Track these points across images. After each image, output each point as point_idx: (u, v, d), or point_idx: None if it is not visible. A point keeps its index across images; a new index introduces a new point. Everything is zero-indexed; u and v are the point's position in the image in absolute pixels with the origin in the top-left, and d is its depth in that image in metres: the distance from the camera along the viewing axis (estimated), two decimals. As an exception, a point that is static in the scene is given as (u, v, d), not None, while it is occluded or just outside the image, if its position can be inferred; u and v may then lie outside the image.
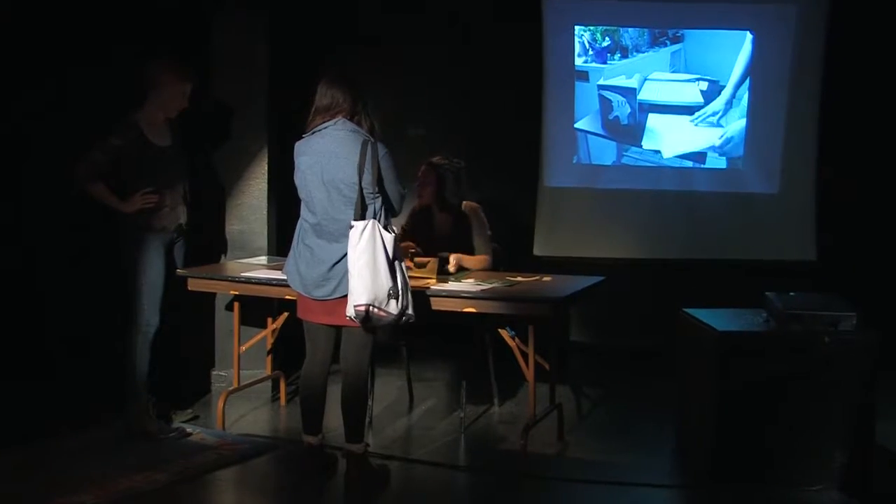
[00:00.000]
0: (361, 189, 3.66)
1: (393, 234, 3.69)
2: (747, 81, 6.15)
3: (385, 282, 3.61)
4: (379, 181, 3.70)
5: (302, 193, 3.81)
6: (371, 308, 3.61)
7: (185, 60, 4.58)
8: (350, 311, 3.64)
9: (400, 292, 3.66)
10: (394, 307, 3.65)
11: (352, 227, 3.64)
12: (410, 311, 3.73)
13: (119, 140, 4.36)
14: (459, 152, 5.03)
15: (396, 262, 3.69)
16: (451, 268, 4.54)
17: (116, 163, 4.38)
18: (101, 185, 4.37)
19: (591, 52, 6.22)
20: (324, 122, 3.73)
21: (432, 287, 4.15)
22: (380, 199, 3.72)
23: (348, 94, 3.72)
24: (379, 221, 3.69)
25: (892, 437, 4.15)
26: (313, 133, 3.76)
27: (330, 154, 3.69)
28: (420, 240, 4.79)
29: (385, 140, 3.79)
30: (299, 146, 3.81)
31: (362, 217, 3.66)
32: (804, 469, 3.78)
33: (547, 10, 6.18)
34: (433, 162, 4.82)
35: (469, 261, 4.68)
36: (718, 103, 6.18)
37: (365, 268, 3.59)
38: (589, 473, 4.08)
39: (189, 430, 4.48)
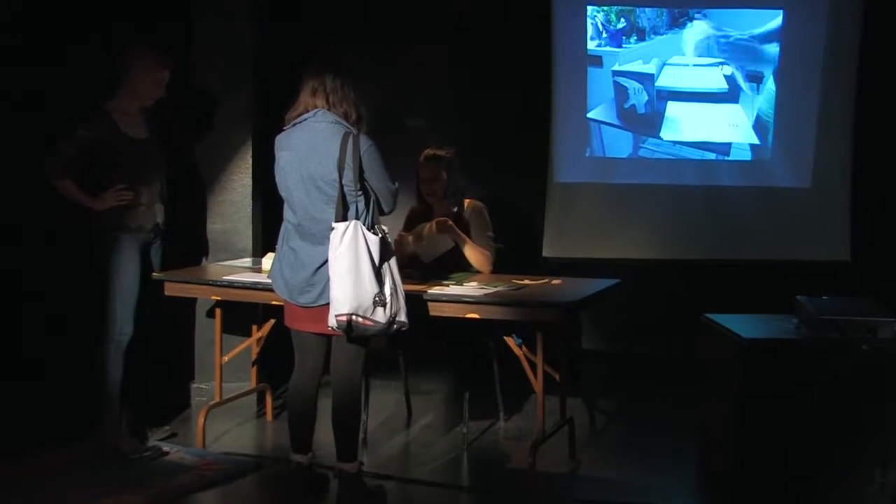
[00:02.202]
0: (342, 186, 3.62)
1: (379, 236, 3.65)
2: (776, 65, 6.11)
3: (369, 288, 3.58)
4: (363, 177, 3.66)
5: (282, 191, 3.80)
6: (354, 317, 3.57)
7: (162, 45, 4.56)
8: (332, 322, 3.61)
9: (388, 299, 3.62)
10: (381, 315, 3.61)
11: (332, 228, 3.61)
12: (402, 318, 3.69)
13: (89, 132, 4.35)
14: (462, 144, 4.99)
15: (386, 266, 3.66)
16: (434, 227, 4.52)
17: (87, 157, 4.36)
18: (71, 182, 4.36)
19: (604, 35, 6.20)
20: (304, 113, 3.71)
21: (431, 291, 4.12)
22: (364, 196, 3.69)
23: (328, 80, 3.69)
24: (365, 221, 3.66)
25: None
26: (294, 126, 3.74)
27: (308, 149, 3.68)
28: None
29: (375, 131, 3.76)
30: (279, 140, 3.80)
31: (344, 218, 3.63)
32: (842, 490, 3.75)
33: (556, -11, 6.17)
34: (437, 154, 4.74)
35: (469, 250, 4.63)
36: (744, 89, 6.14)
37: (346, 273, 3.56)
38: (603, 494, 4.07)
39: (166, 448, 4.45)
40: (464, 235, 4.64)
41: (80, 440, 4.43)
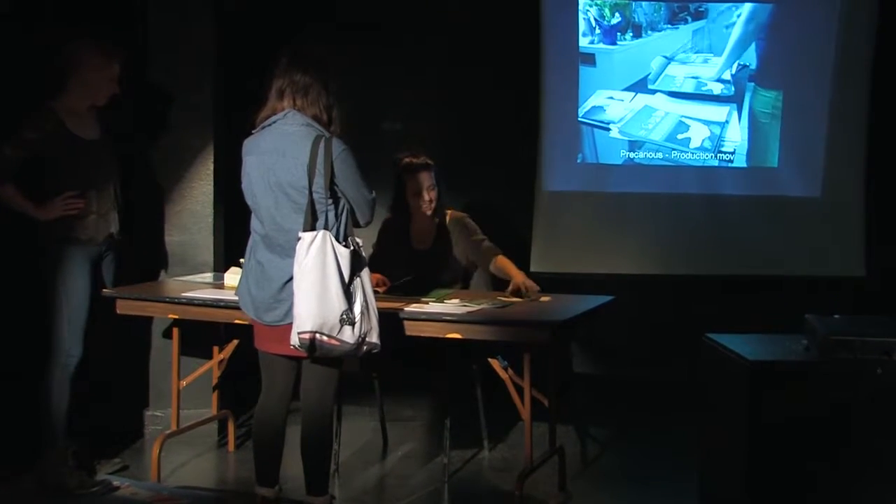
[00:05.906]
0: (311, 194, 3.64)
1: (351, 249, 3.66)
2: (783, 65, 6.17)
3: (337, 305, 3.58)
4: (335, 185, 3.67)
5: (248, 199, 3.80)
6: (318, 336, 3.58)
7: (115, 37, 4.55)
8: (293, 339, 3.61)
9: (357, 317, 3.62)
10: (348, 335, 3.61)
11: (299, 238, 3.62)
12: (374, 338, 3.69)
13: (34, 133, 4.34)
14: (442, 150, 5.01)
15: (357, 281, 3.67)
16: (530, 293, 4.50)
17: (31, 161, 4.34)
18: (12, 188, 4.34)
19: (598, 31, 6.24)
20: (273, 114, 3.72)
21: (408, 309, 4.13)
22: (335, 206, 3.69)
23: (298, 78, 3.69)
24: (337, 233, 3.67)
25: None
26: (262, 128, 3.75)
27: (277, 153, 3.68)
28: (397, 261, 4.74)
29: (349, 135, 3.76)
30: (247, 144, 3.80)
31: (312, 227, 3.64)
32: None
33: (546, -19, 6.21)
34: (425, 162, 4.74)
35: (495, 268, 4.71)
36: (749, 90, 6.19)
37: (310, 288, 3.56)
38: (597, 531, 4.08)
39: (117, 482, 4.42)
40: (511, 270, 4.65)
41: (19, 474, 4.39)
